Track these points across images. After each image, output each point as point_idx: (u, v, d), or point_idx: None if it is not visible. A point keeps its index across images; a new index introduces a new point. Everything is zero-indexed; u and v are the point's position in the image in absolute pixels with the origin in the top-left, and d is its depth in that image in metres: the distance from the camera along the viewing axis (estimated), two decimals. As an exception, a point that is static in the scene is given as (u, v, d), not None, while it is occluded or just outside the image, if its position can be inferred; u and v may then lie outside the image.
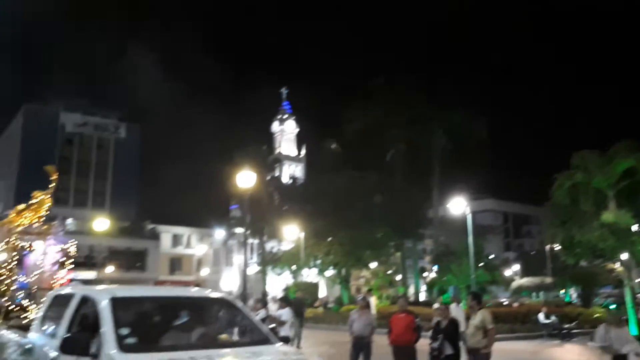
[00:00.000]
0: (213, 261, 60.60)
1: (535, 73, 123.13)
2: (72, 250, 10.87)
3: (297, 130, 71.44)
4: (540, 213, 66.01)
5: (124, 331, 4.55)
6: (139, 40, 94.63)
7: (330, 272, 41.25)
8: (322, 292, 48.45)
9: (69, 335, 4.69)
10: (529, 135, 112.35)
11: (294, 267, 42.15)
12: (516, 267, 60.83)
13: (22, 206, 10.84)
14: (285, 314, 12.00)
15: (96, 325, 4.61)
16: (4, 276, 9.70)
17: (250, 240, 47.66)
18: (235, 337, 5.51)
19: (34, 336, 5.65)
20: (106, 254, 50.48)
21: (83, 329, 4.86)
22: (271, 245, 50.13)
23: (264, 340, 5.10)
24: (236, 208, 52.03)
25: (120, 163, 59.29)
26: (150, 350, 4.43)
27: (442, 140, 34.99)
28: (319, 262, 39.94)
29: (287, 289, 37.10)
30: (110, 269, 47.53)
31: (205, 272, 58.75)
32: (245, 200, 19.74)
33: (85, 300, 5.12)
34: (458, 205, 24.74)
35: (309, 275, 43.78)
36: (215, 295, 6.77)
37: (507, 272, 53.58)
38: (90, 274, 43.15)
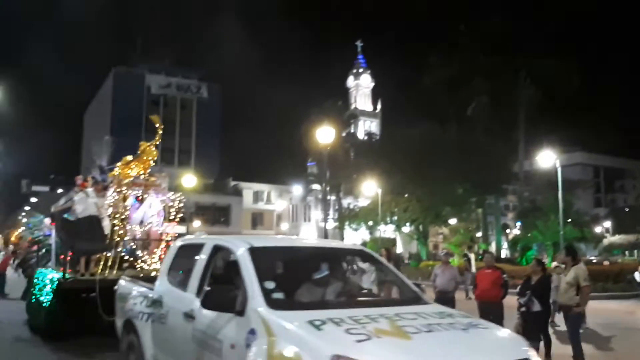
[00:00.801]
0: (292, 216, 62.31)
1: (630, 15, 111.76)
2: (179, 203, 10.65)
3: (373, 84, 70.22)
4: (636, 166, 61.31)
5: (269, 285, 4.02)
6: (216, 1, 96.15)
7: (407, 229, 41.16)
8: (399, 248, 48.60)
9: (211, 288, 4.18)
10: (623, 83, 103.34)
11: (370, 223, 42.44)
12: (607, 224, 57.44)
13: (129, 157, 10.52)
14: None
15: (230, 278, 4.22)
16: (118, 226, 9.66)
17: (327, 197, 48.30)
18: (376, 293, 5.07)
19: (161, 287, 5.25)
20: (193, 209, 53.22)
21: (216, 281, 4.45)
22: (348, 202, 50.58)
23: (417, 299, 4.39)
24: (313, 165, 52.77)
25: (202, 122, 61.66)
26: (300, 307, 3.90)
27: (529, 90, 32.94)
28: (395, 218, 39.90)
29: (364, 245, 37.54)
30: (197, 224, 50.23)
31: (284, 227, 60.62)
32: (324, 156, 19.78)
33: (217, 250, 4.68)
34: (546, 159, 23.41)
35: (386, 231, 43.92)
36: (354, 246, 6.27)
37: (597, 229, 50.77)
38: (180, 228, 45.83)
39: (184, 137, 61.29)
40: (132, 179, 10.17)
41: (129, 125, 50.07)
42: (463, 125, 35.69)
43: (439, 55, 35.20)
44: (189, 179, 37.09)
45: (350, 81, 69.86)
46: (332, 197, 50.53)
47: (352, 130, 53.71)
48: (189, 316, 4.34)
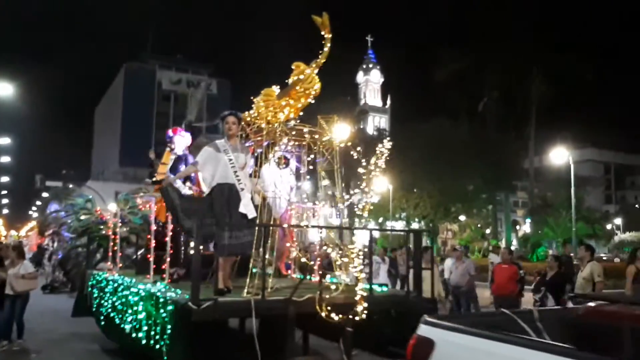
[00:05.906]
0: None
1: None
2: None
3: (382, 80, 70.15)
4: (648, 163, 60.98)
5: None
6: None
7: (416, 225, 41.19)
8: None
9: None
10: (634, 79, 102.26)
11: (380, 220, 42.49)
12: (618, 221, 57.05)
13: (274, 88, 5.92)
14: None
15: None
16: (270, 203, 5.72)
17: (337, 193, 48.37)
18: None
19: None
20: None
21: None
22: (357, 198, 50.63)
23: None
24: (323, 161, 52.82)
25: (212, 119, 61.81)
26: None
27: (541, 86, 32.78)
28: (405, 214, 39.91)
29: (374, 242, 37.57)
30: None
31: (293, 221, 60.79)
32: (339, 153, 19.71)
33: None
34: (559, 156, 23.38)
35: (394, 227, 43.97)
36: None
37: (608, 226, 50.43)
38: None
39: (196, 134, 61.56)
40: (280, 124, 5.86)
41: (139, 121, 50.38)
42: (474, 121, 35.63)
43: (450, 50, 35.11)
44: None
45: (360, 77, 69.82)
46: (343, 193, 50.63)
47: (361, 126, 53.73)
48: None
